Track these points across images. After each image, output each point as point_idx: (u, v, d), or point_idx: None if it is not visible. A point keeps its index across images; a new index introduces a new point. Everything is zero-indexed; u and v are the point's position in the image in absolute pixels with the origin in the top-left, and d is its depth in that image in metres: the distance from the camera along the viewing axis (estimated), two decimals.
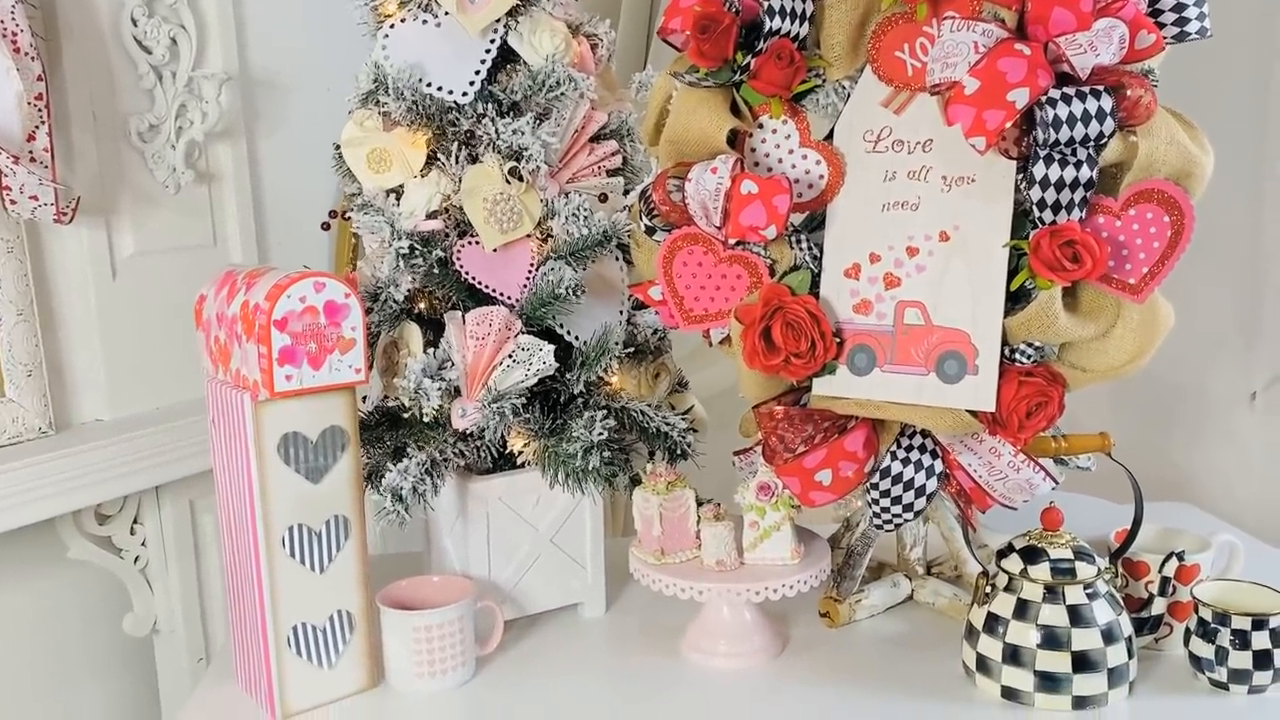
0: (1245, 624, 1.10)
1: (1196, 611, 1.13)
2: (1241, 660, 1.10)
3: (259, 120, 1.85)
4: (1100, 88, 1.06)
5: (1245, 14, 1.90)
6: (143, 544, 1.68)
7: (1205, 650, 1.12)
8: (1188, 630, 1.15)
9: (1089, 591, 1.10)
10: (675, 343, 1.47)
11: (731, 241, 1.20)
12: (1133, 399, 2.02)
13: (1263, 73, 1.95)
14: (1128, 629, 1.11)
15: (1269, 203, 1.97)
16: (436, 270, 1.25)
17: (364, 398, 1.32)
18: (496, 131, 1.24)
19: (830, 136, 1.23)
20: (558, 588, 1.35)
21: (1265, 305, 2.01)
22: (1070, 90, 1.05)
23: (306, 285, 1.10)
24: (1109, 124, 1.05)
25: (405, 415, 1.27)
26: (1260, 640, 1.10)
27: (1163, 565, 1.17)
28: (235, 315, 1.13)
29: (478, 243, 1.26)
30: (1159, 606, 1.18)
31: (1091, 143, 1.06)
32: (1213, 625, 1.11)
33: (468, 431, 1.24)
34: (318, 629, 1.16)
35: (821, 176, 1.21)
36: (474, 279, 1.26)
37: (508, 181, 1.24)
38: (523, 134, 1.23)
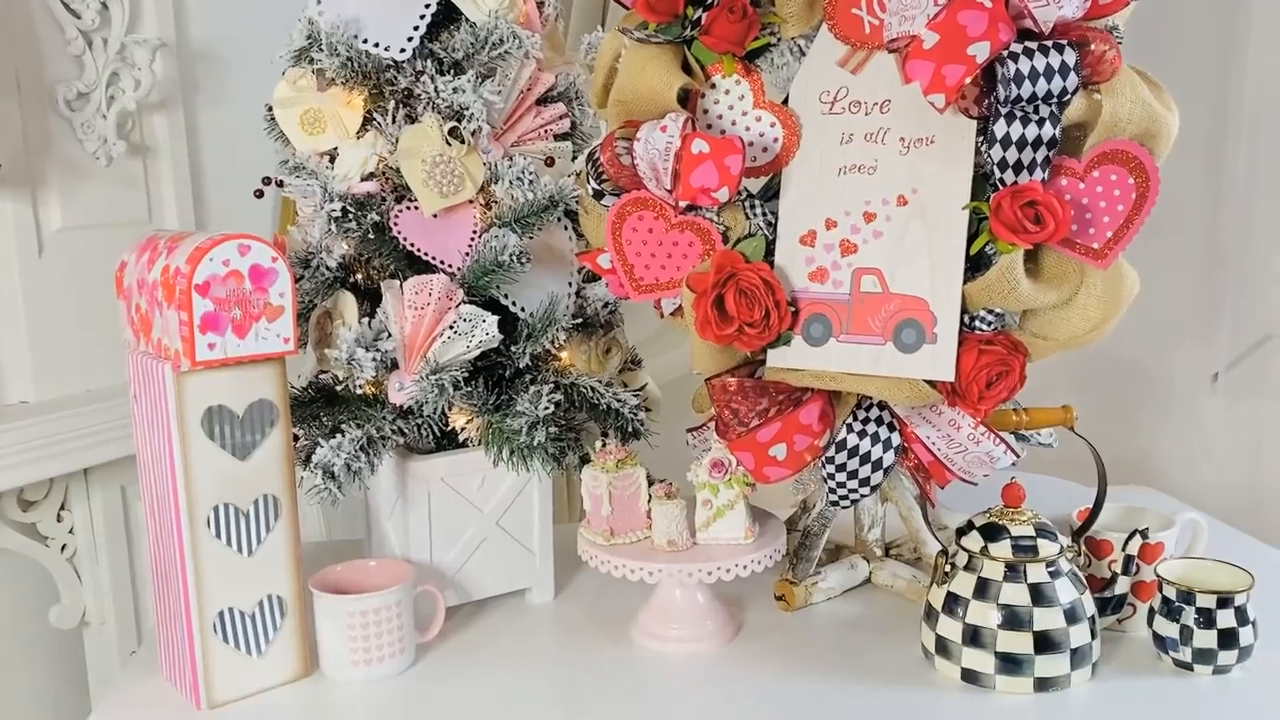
0: (1210, 602, 1.07)
1: (1160, 590, 1.11)
2: (1206, 640, 1.07)
3: (199, 92, 1.79)
4: (1063, 42, 1.02)
5: None
6: (70, 531, 1.61)
7: (1169, 630, 1.09)
8: (1151, 610, 1.12)
9: (1051, 570, 1.07)
10: (636, 324, 1.42)
11: (682, 205, 1.15)
12: (1094, 381, 1.99)
13: (1228, 34, 1.92)
14: (1090, 609, 1.08)
15: (1230, 179, 1.96)
16: (373, 236, 1.19)
17: (300, 375, 1.26)
18: (436, 90, 1.18)
19: (787, 102, 1.18)
20: (504, 572, 1.30)
21: (1227, 286, 2.00)
22: (1033, 45, 1.02)
23: (230, 248, 1.04)
24: (1072, 79, 1.02)
25: (340, 390, 1.21)
26: (1225, 619, 1.07)
27: (1126, 543, 1.14)
28: (156, 281, 1.06)
29: (416, 207, 1.20)
30: (1122, 586, 1.15)
31: (1054, 99, 1.02)
32: (1177, 604, 1.09)
33: (406, 407, 1.18)
34: (246, 615, 1.10)
35: (776, 139, 1.17)
36: (412, 245, 1.20)
37: (448, 143, 1.18)
38: (464, 92, 1.17)
